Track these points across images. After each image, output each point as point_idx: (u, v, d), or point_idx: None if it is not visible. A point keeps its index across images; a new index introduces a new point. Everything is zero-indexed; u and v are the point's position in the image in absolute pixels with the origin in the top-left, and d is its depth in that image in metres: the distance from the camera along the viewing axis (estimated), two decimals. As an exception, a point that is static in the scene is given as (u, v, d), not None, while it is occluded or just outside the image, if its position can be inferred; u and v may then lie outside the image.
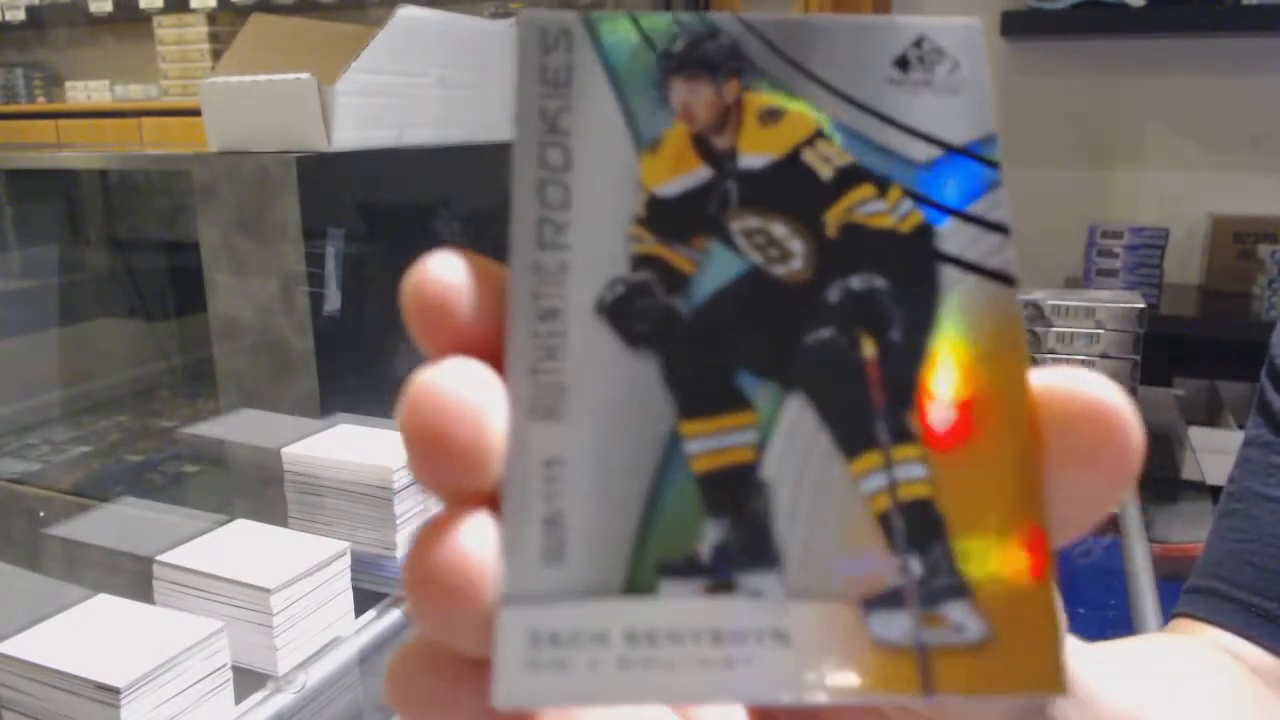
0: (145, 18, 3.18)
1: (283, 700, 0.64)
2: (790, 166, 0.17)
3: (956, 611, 0.15)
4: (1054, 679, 0.15)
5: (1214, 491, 1.06)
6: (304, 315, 0.88)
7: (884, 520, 0.16)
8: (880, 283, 0.17)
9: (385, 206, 1.01)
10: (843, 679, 0.15)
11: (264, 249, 0.89)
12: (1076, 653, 0.23)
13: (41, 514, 0.95)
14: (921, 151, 0.17)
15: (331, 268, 0.90)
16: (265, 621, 0.64)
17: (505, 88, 1.21)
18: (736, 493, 0.16)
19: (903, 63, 0.17)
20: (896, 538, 0.16)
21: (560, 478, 0.15)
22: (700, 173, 0.17)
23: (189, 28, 3.13)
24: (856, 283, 0.17)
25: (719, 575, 0.15)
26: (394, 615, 0.74)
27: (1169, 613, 0.45)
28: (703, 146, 0.17)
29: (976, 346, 0.16)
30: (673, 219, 0.17)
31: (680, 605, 0.15)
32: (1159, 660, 0.37)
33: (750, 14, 0.17)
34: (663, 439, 0.16)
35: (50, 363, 1.27)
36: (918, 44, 0.18)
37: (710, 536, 0.15)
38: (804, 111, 0.17)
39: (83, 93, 3.39)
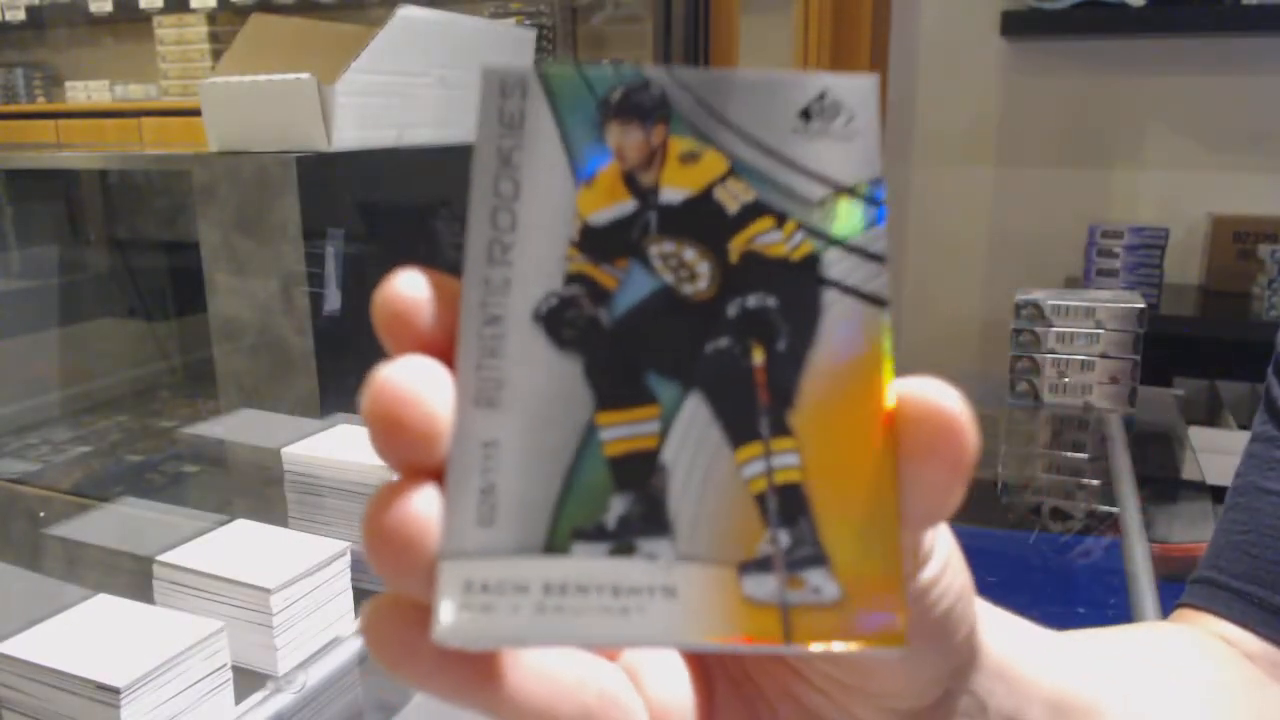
0: (145, 18, 3.17)
1: (283, 700, 0.64)
2: (703, 201, 0.20)
3: (816, 576, 0.18)
4: (894, 636, 0.18)
5: (1214, 491, 1.06)
6: (304, 315, 0.88)
7: (760, 500, 0.19)
8: (771, 302, 0.19)
9: (385, 206, 1.01)
10: (717, 629, 0.18)
11: (264, 249, 0.89)
12: (1004, 632, 0.26)
13: (41, 514, 0.95)
14: (816, 191, 0.20)
15: (331, 268, 0.90)
16: (265, 621, 0.64)
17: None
18: (639, 473, 0.19)
19: (806, 114, 0.20)
20: (769, 514, 0.19)
21: (495, 456, 0.18)
22: (627, 204, 0.20)
23: (189, 28, 3.12)
24: (751, 301, 0.19)
25: (621, 540, 0.18)
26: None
27: (1170, 610, 0.46)
28: (631, 182, 0.20)
29: (848, 357, 0.19)
30: (601, 243, 0.19)
31: (588, 564, 0.18)
32: (1146, 646, 0.39)
33: (679, 68, 0.20)
34: (581, 427, 0.19)
35: (50, 363, 1.26)
36: (820, 98, 0.20)
37: (616, 508, 0.18)
38: (718, 154, 0.20)
39: (83, 93, 3.39)
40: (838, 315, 0.19)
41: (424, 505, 0.17)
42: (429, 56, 1.04)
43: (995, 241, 2.26)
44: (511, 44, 1.22)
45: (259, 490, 0.87)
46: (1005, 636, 0.26)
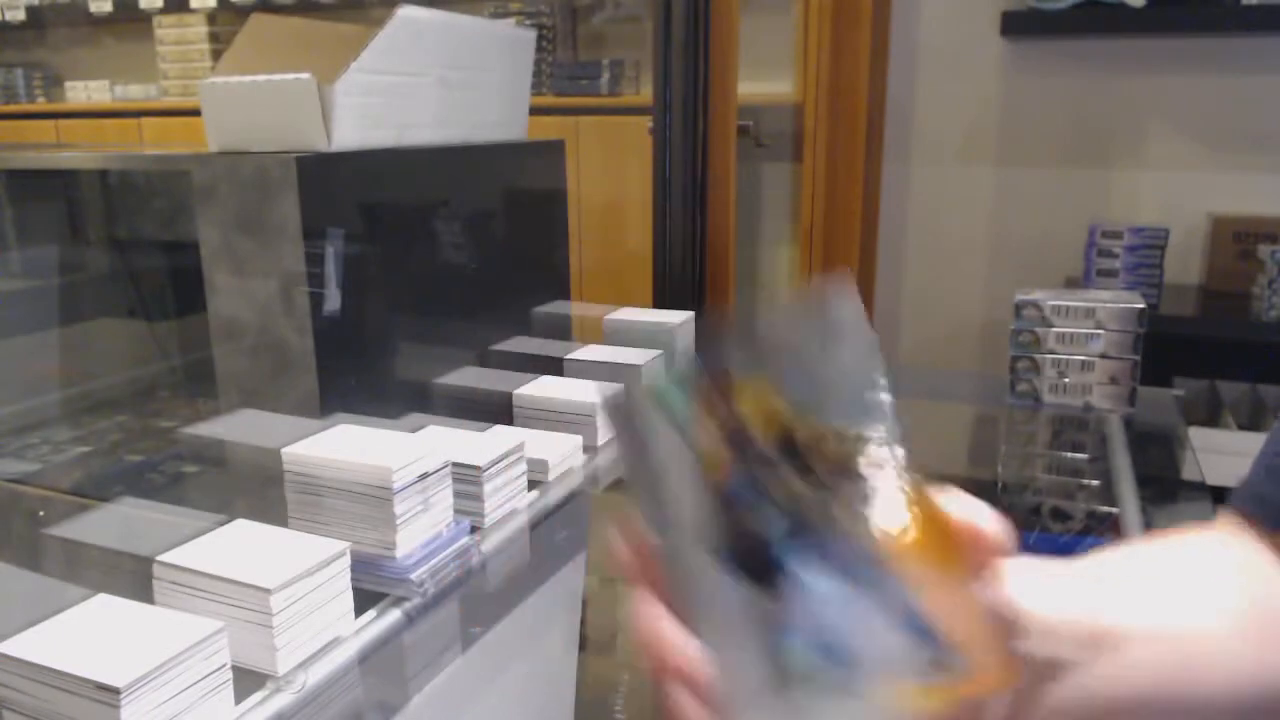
0: (145, 18, 3.18)
1: (282, 700, 0.64)
2: (785, 442, 0.29)
3: (953, 662, 0.28)
4: (1007, 680, 0.29)
5: (1214, 491, 1.06)
6: (304, 315, 0.88)
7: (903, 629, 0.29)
8: (854, 494, 0.29)
9: (385, 206, 1.01)
10: (907, 712, 0.28)
11: (264, 249, 0.89)
12: (1034, 588, 0.36)
13: (42, 514, 0.95)
14: (860, 403, 0.30)
15: (331, 268, 0.90)
16: (265, 621, 0.64)
17: (504, 87, 1.21)
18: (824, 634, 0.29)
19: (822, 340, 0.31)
20: (913, 635, 0.29)
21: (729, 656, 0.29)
22: (737, 464, 0.29)
23: (189, 28, 3.13)
24: (843, 501, 0.29)
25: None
26: (393, 615, 0.74)
27: None
28: (733, 443, 0.29)
29: (919, 506, 0.29)
30: (730, 498, 0.29)
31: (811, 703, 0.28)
32: (1179, 556, 0.47)
33: (728, 342, 0.30)
34: (775, 630, 0.29)
35: (50, 363, 1.26)
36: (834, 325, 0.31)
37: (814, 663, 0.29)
38: (781, 401, 0.29)
39: (83, 93, 3.39)
40: (886, 493, 0.29)
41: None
42: (429, 56, 1.04)
43: (995, 242, 2.26)
44: (512, 45, 1.22)
45: (259, 490, 0.87)
46: (1034, 596, 0.35)
